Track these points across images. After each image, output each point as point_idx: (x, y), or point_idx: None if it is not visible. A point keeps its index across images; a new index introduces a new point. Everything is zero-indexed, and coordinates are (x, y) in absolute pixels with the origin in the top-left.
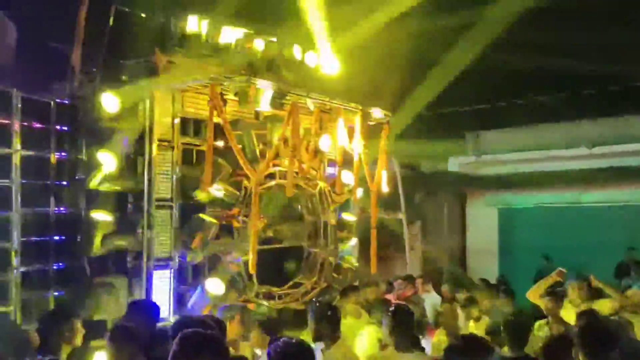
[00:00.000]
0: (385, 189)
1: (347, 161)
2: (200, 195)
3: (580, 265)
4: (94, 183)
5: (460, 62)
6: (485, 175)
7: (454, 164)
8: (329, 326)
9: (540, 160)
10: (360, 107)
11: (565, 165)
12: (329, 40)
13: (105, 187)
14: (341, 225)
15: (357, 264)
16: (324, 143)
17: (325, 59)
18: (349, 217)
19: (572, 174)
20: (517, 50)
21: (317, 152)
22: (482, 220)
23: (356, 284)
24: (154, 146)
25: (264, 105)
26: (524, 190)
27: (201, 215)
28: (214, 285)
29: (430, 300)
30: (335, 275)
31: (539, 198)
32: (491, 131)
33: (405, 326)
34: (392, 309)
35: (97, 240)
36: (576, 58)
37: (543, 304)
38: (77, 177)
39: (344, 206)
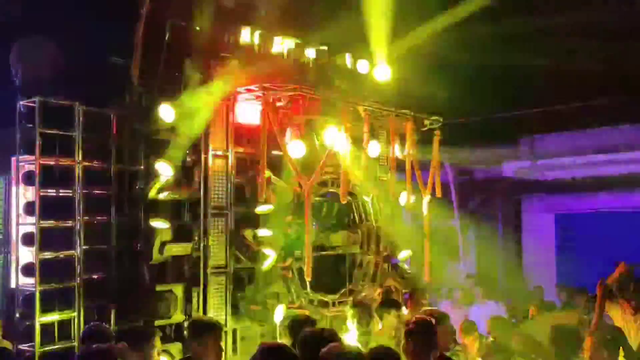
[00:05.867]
0: (438, 195)
1: (399, 168)
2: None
3: None
4: (152, 192)
5: (512, 64)
6: (541, 181)
7: (509, 169)
8: None
9: (600, 164)
10: (412, 114)
11: (628, 168)
12: (380, 47)
13: (163, 196)
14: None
15: (410, 272)
16: (376, 150)
17: (377, 66)
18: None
19: (635, 177)
20: (574, 50)
21: (368, 159)
22: (539, 226)
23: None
24: (209, 155)
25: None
26: (583, 196)
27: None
28: None
29: (487, 311)
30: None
31: (600, 203)
32: (547, 135)
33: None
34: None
35: (156, 248)
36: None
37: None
38: (136, 187)
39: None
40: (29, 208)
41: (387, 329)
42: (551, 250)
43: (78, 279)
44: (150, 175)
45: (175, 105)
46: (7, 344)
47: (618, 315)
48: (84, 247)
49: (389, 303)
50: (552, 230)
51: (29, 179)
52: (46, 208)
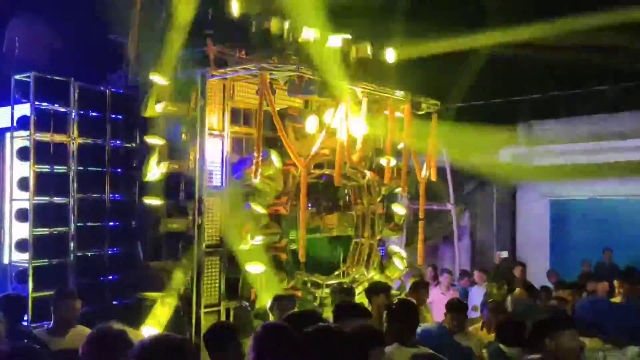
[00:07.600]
0: (433, 179)
1: (395, 151)
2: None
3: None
4: (147, 171)
5: (511, 50)
6: (537, 167)
7: (506, 155)
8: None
9: (596, 151)
10: (410, 97)
11: (622, 156)
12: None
13: (157, 174)
14: (389, 216)
15: (404, 255)
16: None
17: (377, 49)
18: (398, 209)
19: (629, 165)
20: (572, 39)
21: (365, 141)
22: (533, 212)
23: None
24: (205, 135)
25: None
26: (578, 182)
27: (253, 205)
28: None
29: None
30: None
31: (594, 190)
32: (544, 121)
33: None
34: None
35: (150, 226)
36: (634, 48)
37: None
38: (131, 165)
39: (392, 197)
40: (23, 184)
41: (374, 311)
42: (545, 235)
43: (72, 255)
44: (146, 153)
45: (171, 84)
46: None
47: None
48: (78, 224)
49: (377, 287)
50: (547, 216)
51: (23, 154)
52: (40, 184)
